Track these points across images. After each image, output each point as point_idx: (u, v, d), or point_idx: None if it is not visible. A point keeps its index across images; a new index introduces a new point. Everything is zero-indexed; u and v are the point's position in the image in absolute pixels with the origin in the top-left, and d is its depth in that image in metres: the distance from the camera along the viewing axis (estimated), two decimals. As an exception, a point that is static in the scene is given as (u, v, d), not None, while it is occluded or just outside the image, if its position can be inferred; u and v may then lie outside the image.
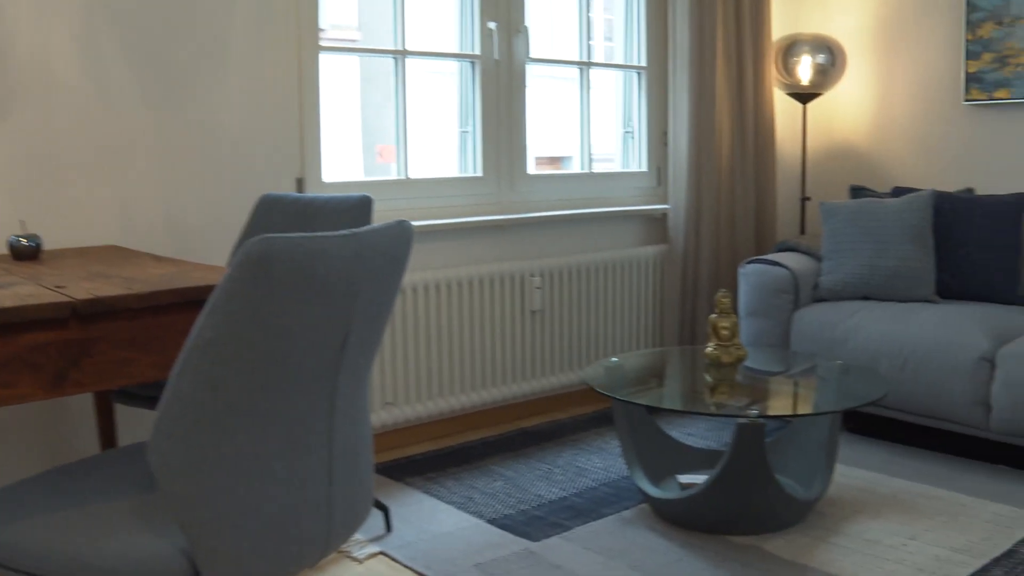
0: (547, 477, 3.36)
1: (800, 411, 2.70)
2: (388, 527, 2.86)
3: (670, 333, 4.38)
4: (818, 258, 4.00)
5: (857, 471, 3.39)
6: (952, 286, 3.83)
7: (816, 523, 2.92)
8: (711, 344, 3.19)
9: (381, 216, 3.55)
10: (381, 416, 3.52)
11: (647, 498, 2.99)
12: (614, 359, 3.30)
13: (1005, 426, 3.27)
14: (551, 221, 3.96)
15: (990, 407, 3.30)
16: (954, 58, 4.40)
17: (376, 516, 2.98)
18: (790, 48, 4.51)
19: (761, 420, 2.66)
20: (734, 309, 4.55)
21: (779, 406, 2.77)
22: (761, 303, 3.84)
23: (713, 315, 3.20)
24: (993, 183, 4.34)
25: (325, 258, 1.38)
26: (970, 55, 4.28)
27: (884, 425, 3.86)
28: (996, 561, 2.59)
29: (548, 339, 3.98)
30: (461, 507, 3.07)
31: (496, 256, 3.86)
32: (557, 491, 3.23)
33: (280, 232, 1.76)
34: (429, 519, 2.96)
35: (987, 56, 4.22)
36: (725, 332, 3.13)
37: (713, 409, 2.73)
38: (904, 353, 3.43)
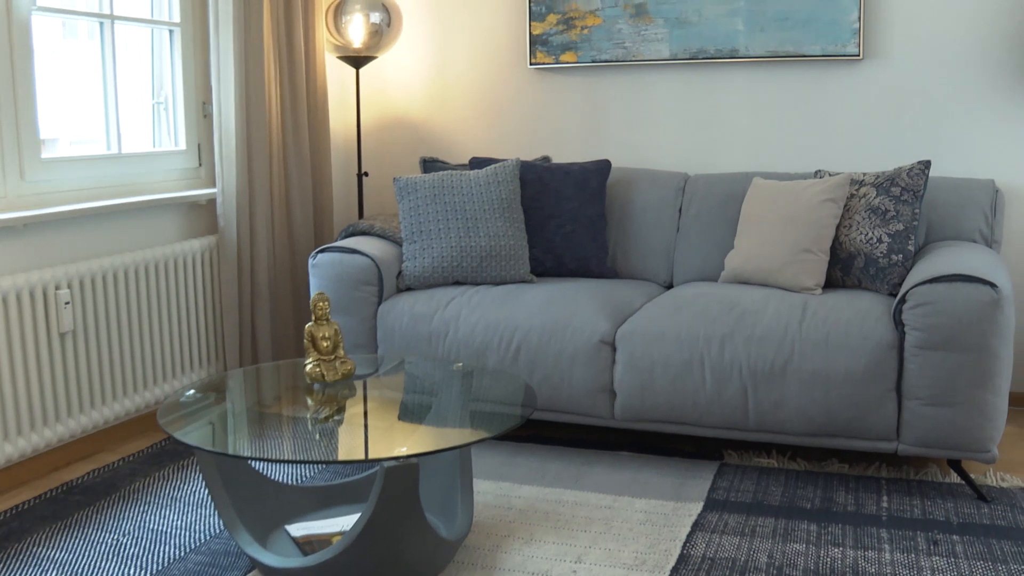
0: (117, 553, 3.02)
1: (451, 439, 2.66)
2: None
3: (231, 344, 4.35)
4: (398, 241, 4.21)
5: (484, 483, 3.47)
6: (545, 262, 4.22)
7: (469, 561, 2.90)
8: (310, 359, 3.08)
9: None
10: None
11: (259, 565, 2.76)
12: (190, 391, 3.07)
13: (631, 413, 3.58)
14: (75, 217, 3.70)
15: (615, 393, 3.61)
16: (518, 19, 4.85)
17: None
18: (342, 5, 4.70)
19: (414, 459, 2.55)
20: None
21: (425, 438, 2.70)
22: (341, 298, 4.00)
23: (310, 323, 3.09)
24: (568, 150, 4.83)
25: None
26: (534, 16, 4.74)
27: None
28: (675, 572, 2.81)
29: (85, 366, 3.76)
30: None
31: (7, 266, 3.52)
32: (135, 571, 2.91)
33: None
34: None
35: (552, 17, 4.70)
36: (326, 344, 3.08)
37: (345, 452, 2.58)
38: (515, 342, 3.71)
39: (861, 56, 4.37)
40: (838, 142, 4.49)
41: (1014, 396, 4.26)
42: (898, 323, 3.34)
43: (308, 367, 3.11)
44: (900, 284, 3.72)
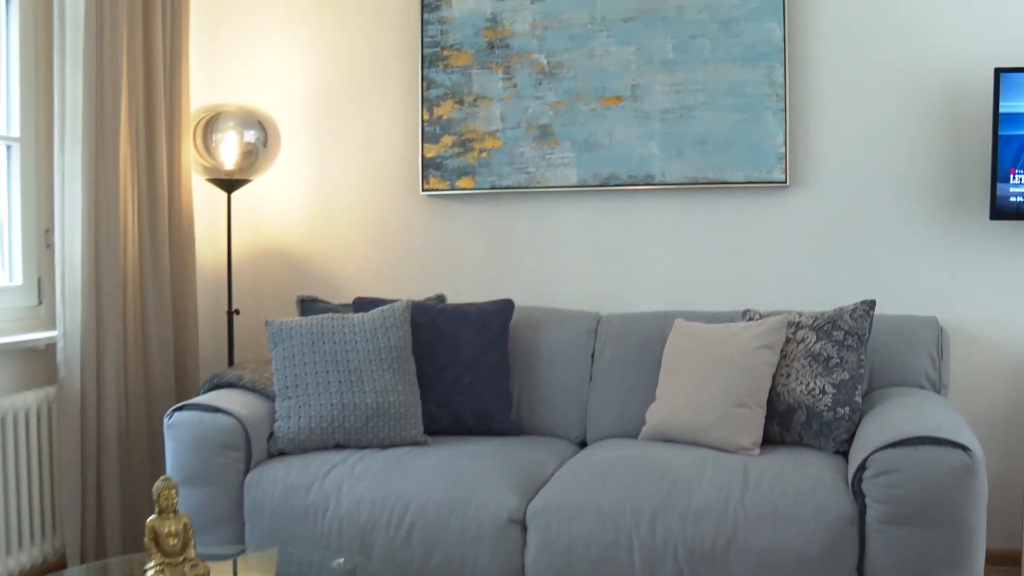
0: None
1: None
2: None
3: (71, 517, 3.72)
4: (270, 396, 3.70)
5: None
6: (441, 420, 3.74)
7: None
8: (153, 563, 2.52)
9: None
10: None
11: None
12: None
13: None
14: None
15: (527, 581, 3.06)
16: (410, 141, 4.49)
17: None
18: (212, 122, 4.26)
19: None
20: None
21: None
22: (201, 465, 3.45)
23: (152, 517, 2.54)
24: (465, 288, 4.41)
25: None
26: (428, 137, 4.39)
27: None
28: None
29: None
30: None
31: None
32: None
33: None
34: None
35: (447, 139, 4.36)
36: (173, 543, 2.53)
37: None
38: (408, 519, 3.20)
39: (788, 183, 4.06)
40: (767, 277, 4.15)
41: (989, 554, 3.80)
42: (857, 493, 2.91)
43: (149, 575, 2.50)
44: (848, 441, 3.32)
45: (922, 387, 3.66)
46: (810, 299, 4.04)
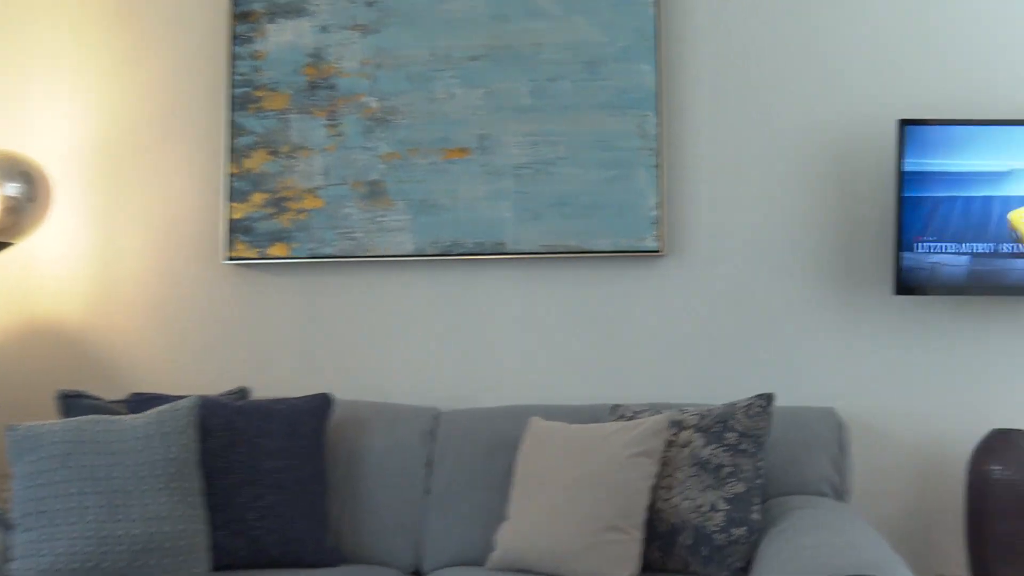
0: None
1: None
2: None
3: None
4: (8, 525, 2.92)
5: None
6: (236, 551, 3.02)
7: None
8: None
9: None
10: None
11: None
12: None
13: None
14: None
15: None
16: (212, 198, 3.83)
17: None
18: None
19: None
20: None
21: None
22: None
23: None
24: (274, 380, 3.73)
25: None
26: (235, 195, 3.73)
27: None
28: None
29: None
30: None
31: None
32: None
33: None
34: None
35: (258, 197, 3.72)
36: None
37: None
38: None
39: (663, 252, 3.53)
40: (639, 364, 3.58)
41: None
42: None
43: None
44: (745, 570, 2.73)
45: (823, 494, 3.12)
46: (690, 390, 3.48)
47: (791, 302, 3.50)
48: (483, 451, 3.21)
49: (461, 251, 3.61)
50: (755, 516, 2.74)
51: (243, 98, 3.74)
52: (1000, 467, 3.15)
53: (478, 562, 3.05)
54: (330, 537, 3.11)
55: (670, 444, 2.88)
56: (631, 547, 2.72)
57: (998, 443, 3.19)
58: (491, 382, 3.63)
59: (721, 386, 3.44)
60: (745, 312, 3.50)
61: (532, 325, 3.62)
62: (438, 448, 3.28)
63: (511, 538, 2.87)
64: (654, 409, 3.09)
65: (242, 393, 3.37)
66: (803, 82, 3.53)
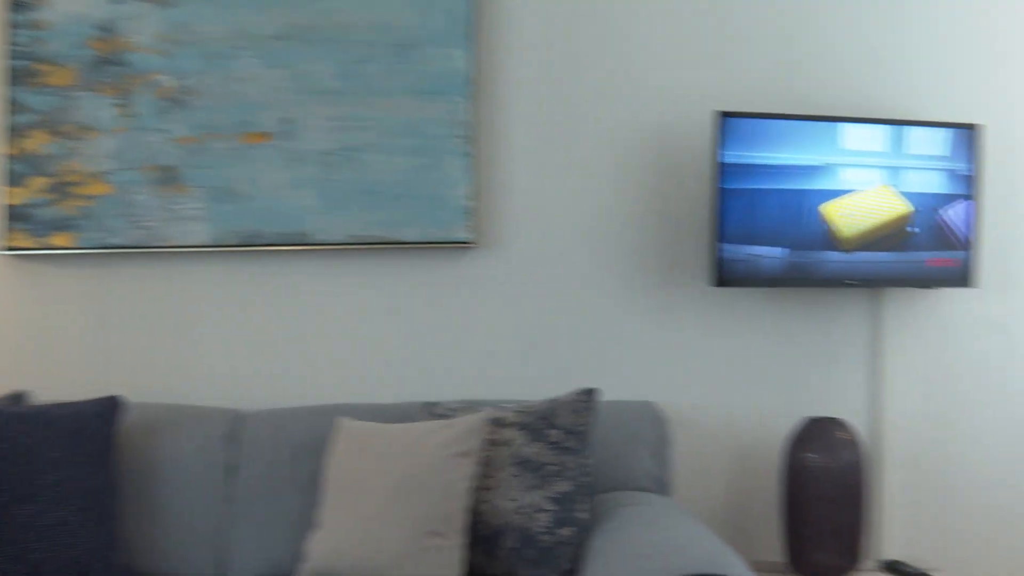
0: None
1: None
2: None
3: None
4: None
5: None
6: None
7: None
8: None
9: None
10: None
11: None
12: None
13: None
14: None
15: None
16: None
17: None
18: None
19: None
20: None
21: None
22: None
23: None
24: (59, 382, 3.43)
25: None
26: (13, 179, 3.41)
27: None
28: None
29: None
30: None
31: None
32: None
33: None
34: None
35: (38, 181, 3.42)
36: None
37: None
38: None
39: (476, 243, 3.40)
40: (453, 359, 3.45)
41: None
42: None
43: None
44: (572, 571, 2.65)
45: (646, 489, 3.07)
46: (507, 387, 3.38)
47: (609, 295, 3.43)
48: (289, 454, 3.01)
49: (262, 242, 3.39)
50: (582, 515, 2.68)
51: (22, 72, 3.41)
52: (814, 455, 3.19)
53: (287, 573, 2.86)
54: (120, 554, 2.85)
55: (491, 443, 2.76)
56: (452, 553, 2.58)
57: (812, 431, 3.23)
58: (296, 381, 3.44)
59: (538, 382, 3.36)
60: (562, 306, 3.41)
61: (340, 320, 3.44)
62: (241, 452, 3.06)
63: (324, 547, 2.69)
64: (470, 406, 2.97)
65: (18, 398, 3.07)
66: (624, 72, 3.47)
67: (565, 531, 2.64)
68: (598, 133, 3.45)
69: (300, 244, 3.40)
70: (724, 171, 3.22)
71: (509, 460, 2.74)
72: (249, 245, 3.40)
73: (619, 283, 3.43)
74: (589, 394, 2.81)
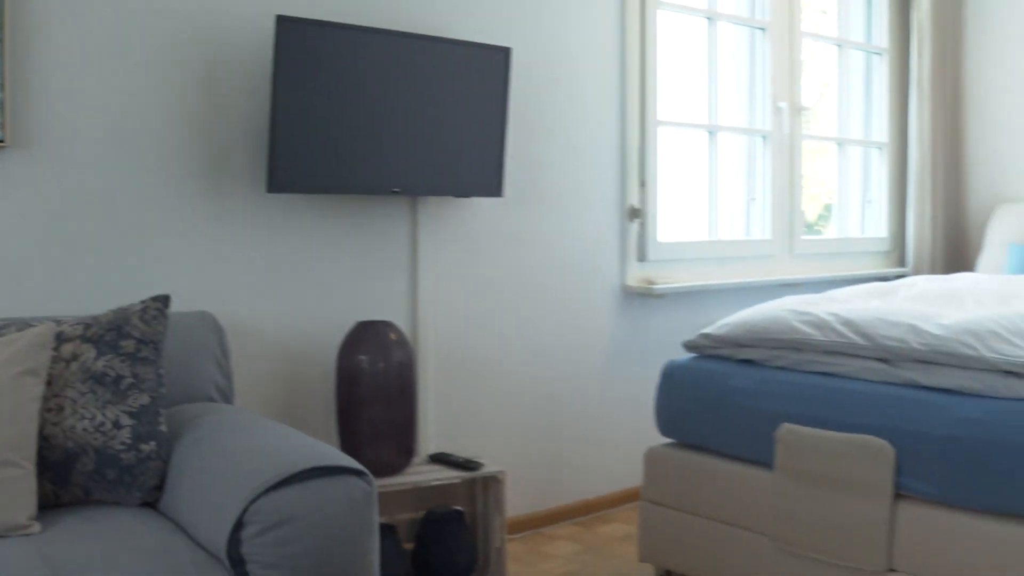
0: None
1: None
2: None
3: None
4: None
5: None
6: None
7: None
8: None
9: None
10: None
11: None
12: None
13: None
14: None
15: None
16: None
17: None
18: None
19: None
20: None
21: None
22: None
23: None
24: None
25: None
26: None
27: None
28: None
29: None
30: None
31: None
32: None
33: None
34: None
35: None
36: None
37: None
38: None
39: (6, 142, 2.96)
40: None
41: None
42: (237, 561, 2.14)
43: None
44: (160, 487, 2.52)
45: (212, 399, 2.98)
46: (46, 300, 3.04)
47: (159, 202, 3.21)
48: None
49: None
50: (163, 428, 2.52)
51: None
52: (365, 357, 3.27)
53: None
54: None
55: (55, 361, 2.52)
56: (28, 483, 2.31)
57: (363, 334, 3.31)
58: None
59: (83, 294, 3.08)
60: (109, 213, 3.12)
61: None
62: None
63: None
64: (15, 323, 2.66)
65: None
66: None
67: (148, 446, 2.47)
68: (147, 30, 3.18)
69: None
70: (280, 76, 3.17)
71: (79, 376, 2.49)
72: None
73: (169, 189, 3.22)
74: (162, 301, 2.63)
